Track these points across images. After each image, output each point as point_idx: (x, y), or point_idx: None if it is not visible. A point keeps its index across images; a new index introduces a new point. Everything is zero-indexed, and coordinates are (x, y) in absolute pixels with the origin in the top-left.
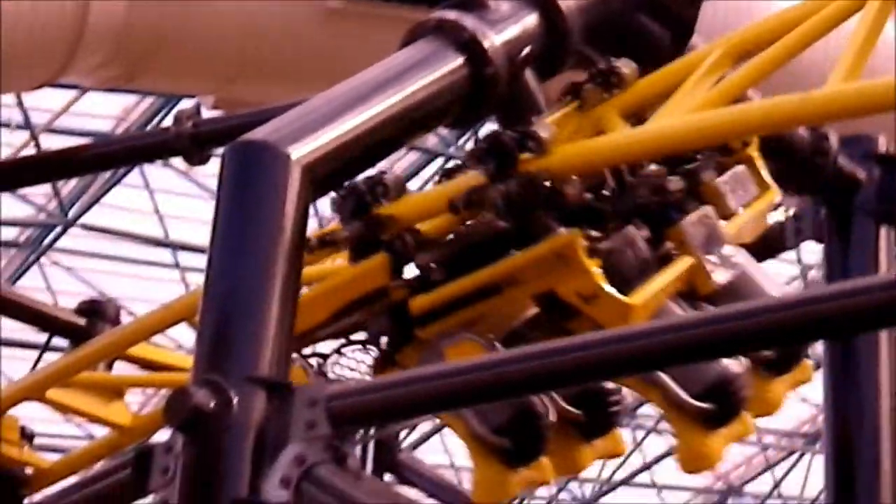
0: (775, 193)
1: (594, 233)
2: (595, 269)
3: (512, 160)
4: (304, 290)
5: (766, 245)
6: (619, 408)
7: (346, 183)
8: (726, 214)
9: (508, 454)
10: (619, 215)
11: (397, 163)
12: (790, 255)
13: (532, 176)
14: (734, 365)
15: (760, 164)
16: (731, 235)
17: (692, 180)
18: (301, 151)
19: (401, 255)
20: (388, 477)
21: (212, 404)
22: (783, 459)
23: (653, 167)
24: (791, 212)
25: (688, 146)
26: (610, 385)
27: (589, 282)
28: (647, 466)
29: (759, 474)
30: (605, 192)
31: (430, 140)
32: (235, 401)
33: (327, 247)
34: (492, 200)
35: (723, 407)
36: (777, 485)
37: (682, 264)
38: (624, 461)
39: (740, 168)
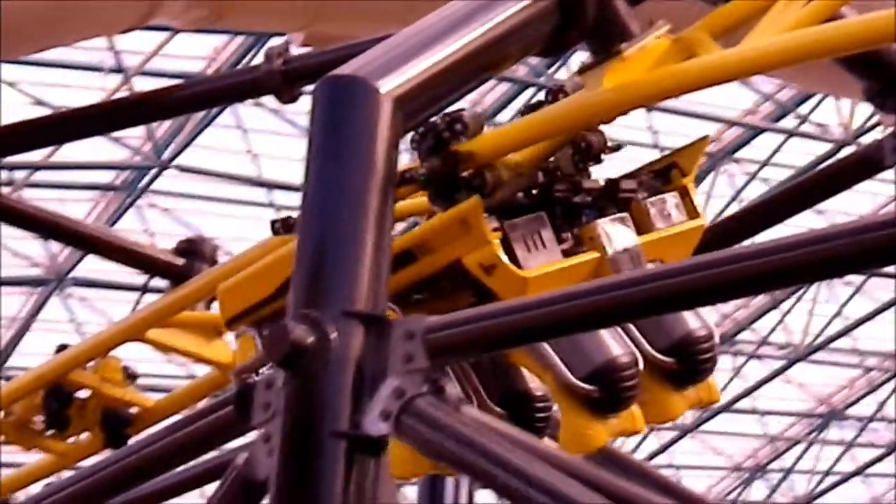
0: (704, 222)
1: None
2: (496, 240)
3: (442, 141)
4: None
5: (864, 164)
6: (546, 416)
7: None
8: (648, 231)
9: None
10: (540, 209)
11: (487, 94)
12: (888, 174)
13: (452, 153)
14: (624, 356)
15: (694, 194)
16: (647, 247)
17: (613, 186)
18: (391, 84)
19: None
20: None
21: (310, 339)
22: (886, 381)
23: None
24: (889, 130)
25: (780, 66)
26: (539, 392)
27: (488, 252)
28: (747, 392)
29: (862, 397)
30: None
31: (520, 70)
32: (333, 335)
33: None
34: (417, 176)
35: (609, 394)
36: (880, 407)
37: (586, 256)
38: (724, 387)
39: (672, 194)
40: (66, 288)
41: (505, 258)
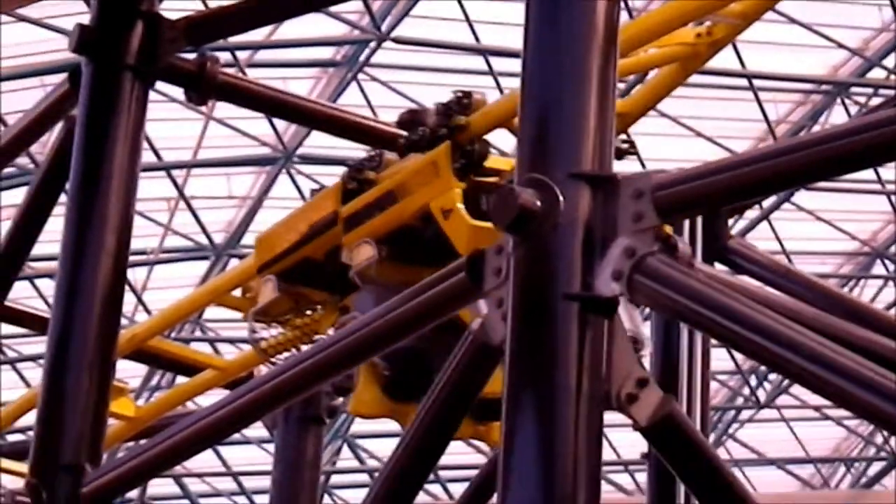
0: None
1: None
2: (457, 189)
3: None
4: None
5: None
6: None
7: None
8: None
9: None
10: None
11: None
12: None
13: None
14: None
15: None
16: None
17: None
18: None
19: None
20: (718, 265)
21: (538, 203)
22: None
23: None
24: None
25: None
26: None
27: (449, 196)
28: None
29: None
30: None
31: None
32: (561, 198)
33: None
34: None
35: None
36: None
37: None
38: None
39: None
40: (293, 165)
41: (461, 206)
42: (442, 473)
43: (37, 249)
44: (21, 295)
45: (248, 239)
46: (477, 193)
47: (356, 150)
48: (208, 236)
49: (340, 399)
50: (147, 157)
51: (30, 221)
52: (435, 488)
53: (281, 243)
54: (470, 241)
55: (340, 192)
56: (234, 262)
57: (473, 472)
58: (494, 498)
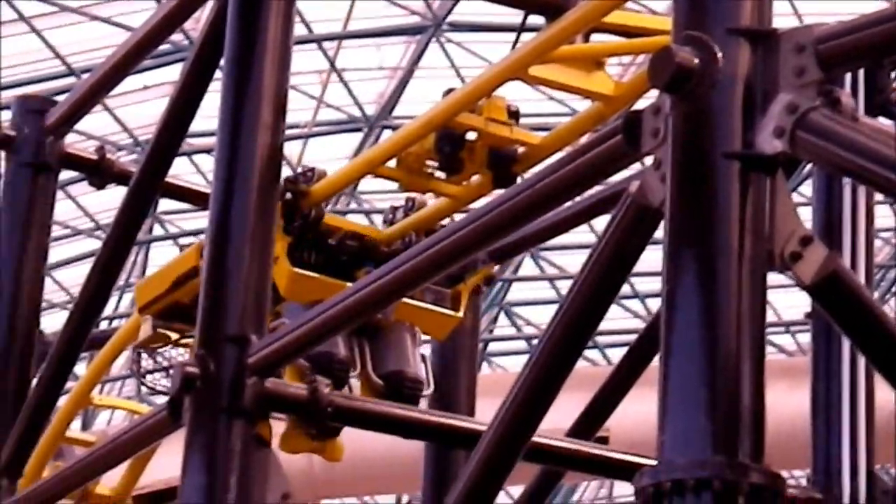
0: (458, 317)
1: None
2: (283, 242)
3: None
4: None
5: None
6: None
7: None
8: (414, 297)
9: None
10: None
11: None
12: None
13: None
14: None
15: (464, 299)
16: (403, 306)
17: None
18: None
19: None
20: (881, 119)
21: (696, 61)
22: None
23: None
24: None
25: None
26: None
27: (277, 245)
28: None
29: None
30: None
31: None
32: (720, 55)
33: None
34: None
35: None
36: None
37: (337, 282)
38: None
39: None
40: (443, 33)
41: (284, 253)
42: (600, 339)
43: (194, 125)
44: (180, 171)
45: (400, 110)
46: (304, 248)
47: (506, 16)
48: (360, 108)
49: (496, 267)
50: (298, 30)
51: (186, 98)
52: (593, 354)
53: (156, 290)
54: (289, 285)
55: (200, 250)
56: (386, 134)
57: (632, 337)
58: (655, 361)
